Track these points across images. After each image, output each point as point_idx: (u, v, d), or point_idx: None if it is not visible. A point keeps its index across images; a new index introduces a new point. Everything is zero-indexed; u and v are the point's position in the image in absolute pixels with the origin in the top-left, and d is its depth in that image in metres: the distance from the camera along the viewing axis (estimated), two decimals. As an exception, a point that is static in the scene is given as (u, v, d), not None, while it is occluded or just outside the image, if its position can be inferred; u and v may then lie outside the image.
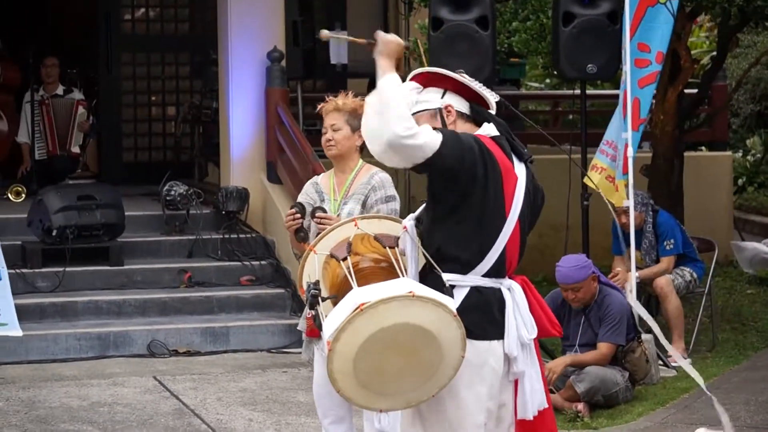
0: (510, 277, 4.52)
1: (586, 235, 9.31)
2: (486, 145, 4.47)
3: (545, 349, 8.38)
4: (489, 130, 4.56)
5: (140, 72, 13.96)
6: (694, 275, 9.22)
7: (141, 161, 13.90)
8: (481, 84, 4.71)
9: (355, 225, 4.67)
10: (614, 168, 8.80)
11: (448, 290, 4.39)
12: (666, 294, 8.94)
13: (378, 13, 15.08)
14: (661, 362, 8.48)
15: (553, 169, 11.43)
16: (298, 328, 5.96)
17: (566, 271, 7.74)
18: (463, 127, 4.57)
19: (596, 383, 7.54)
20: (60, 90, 12.77)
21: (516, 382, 4.52)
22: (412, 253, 4.52)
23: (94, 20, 13.84)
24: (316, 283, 4.55)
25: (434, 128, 4.42)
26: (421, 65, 11.97)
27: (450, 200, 4.44)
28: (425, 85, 4.65)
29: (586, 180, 8.95)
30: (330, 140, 5.85)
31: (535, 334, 4.50)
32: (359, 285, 4.41)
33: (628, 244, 9.13)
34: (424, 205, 4.55)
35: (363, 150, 5.93)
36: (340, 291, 4.51)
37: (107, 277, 9.99)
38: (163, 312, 9.64)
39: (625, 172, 8.73)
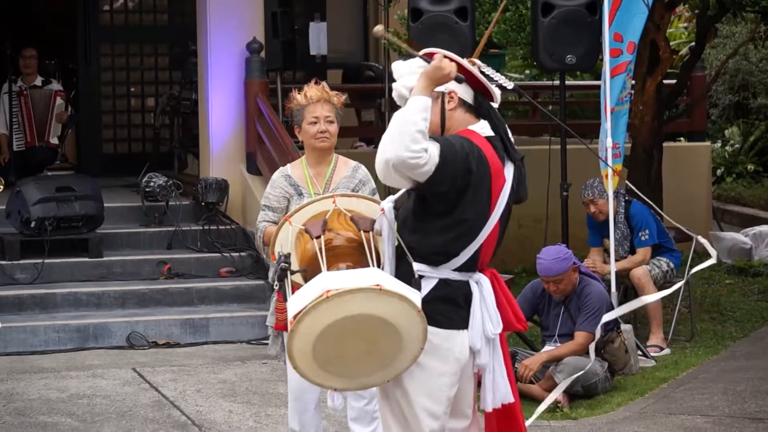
0: (480, 271, 4.53)
1: (566, 226, 9.32)
2: (479, 146, 4.44)
3: (525, 340, 8.41)
4: (484, 128, 4.53)
5: (119, 63, 13.93)
6: (671, 265, 9.25)
7: (120, 153, 13.87)
8: (495, 72, 4.66)
9: (334, 201, 4.66)
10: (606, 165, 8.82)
11: (417, 281, 4.41)
12: (643, 285, 8.97)
13: (357, 3, 15.08)
14: (640, 352, 8.51)
15: (532, 161, 11.47)
16: (266, 323, 5.92)
17: (547, 264, 7.75)
18: (461, 116, 4.53)
19: (575, 374, 7.55)
20: (38, 81, 12.73)
21: (478, 375, 4.55)
22: (388, 237, 4.52)
23: (72, 11, 13.79)
24: (288, 255, 4.55)
25: (432, 139, 4.34)
26: (402, 57, 11.98)
27: (437, 207, 4.43)
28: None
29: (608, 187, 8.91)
30: (324, 132, 5.76)
31: (500, 329, 4.52)
32: (330, 262, 4.44)
33: (599, 235, 9.16)
34: (403, 190, 4.52)
35: None
36: (310, 266, 4.53)
37: (86, 269, 9.96)
38: (142, 303, 9.62)
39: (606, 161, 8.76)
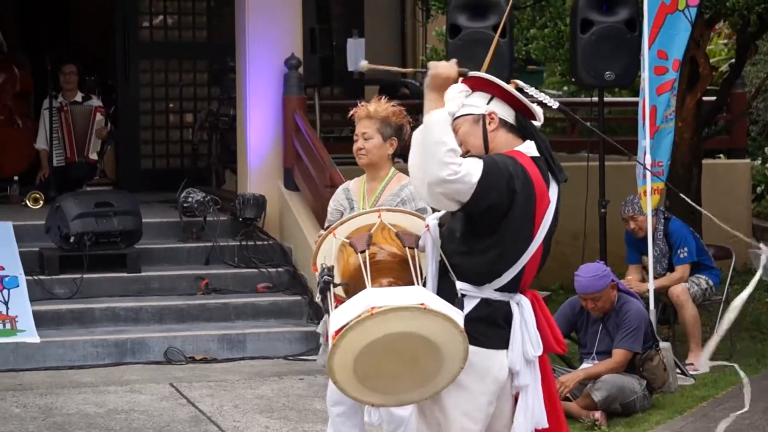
0: (521, 292, 4.50)
1: (604, 243, 9.28)
2: (525, 166, 4.41)
3: (562, 357, 8.35)
4: (530, 148, 4.49)
5: (158, 79, 13.98)
6: (710, 283, 9.19)
7: (159, 168, 13.92)
8: (538, 91, 4.63)
9: (379, 216, 4.66)
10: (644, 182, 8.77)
11: (459, 300, 4.39)
12: (682, 302, 8.91)
13: (396, 20, 15.09)
14: (678, 371, 8.44)
15: (570, 177, 11.43)
16: (317, 330, 5.92)
17: (585, 281, 7.71)
18: (504, 137, 4.50)
19: (613, 391, 7.51)
20: (78, 97, 12.80)
21: (517, 396, 4.51)
22: (432, 254, 4.49)
23: (112, 28, 13.87)
24: (331, 268, 4.56)
25: (475, 157, 4.33)
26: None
27: (483, 225, 4.40)
28: (473, 89, 4.57)
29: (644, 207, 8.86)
30: (361, 149, 5.80)
31: (540, 352, 4.48)
32: (373, 277, 4.44)
33: (637, 252, 9.11)
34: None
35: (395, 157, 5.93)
36: (352, 279, 4.53)
37: (124, 284, 10.00)
38: (180, 319, 9.64)
39: (644, 178, 8.71)
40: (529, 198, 4.39)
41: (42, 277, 9.82)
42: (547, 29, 10.41)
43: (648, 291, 8.57)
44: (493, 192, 4.32)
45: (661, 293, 8.96)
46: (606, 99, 10.37)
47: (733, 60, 11.85)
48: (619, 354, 7.65)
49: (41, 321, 9.28)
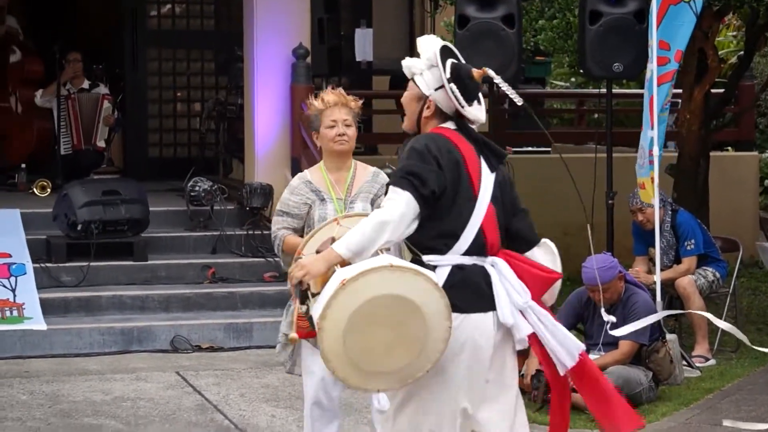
0: (494, 255, 4.66)
1: (611, 234, 9.27)
2: (445, 135, 4.63)
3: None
4: (448, 125, 4.70)
5: (166, 68, 13.99)
6: (717, 275, 9.18)
7: (166, 157, 13.93)
8: (509, 86, 4.73)
9: (338, 223, 4.86)
10: (637, 173, 8.76)
11: (430, 268, 4.54)
12: (689, 294, 8.90)
13: (404, 10, 15.06)
14: (685, 363, 8.44)
15: (577, 169, 11.41)
16: (281, 330, 5.96)
17: (593, 272, 7.70)
18: (434, 124, 4.68)
19: (620, 383, 7.49)
20: (86, 84, 12.82)
21: (538, 345, 4.66)
22: (394, 245, 4.67)
23: (120, 16, 13.88)
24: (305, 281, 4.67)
25: (400, 186, 4.50)
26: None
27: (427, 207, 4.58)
28: (437, 66, 4.68)
29: (643, 198, 8.87)
30: (343, 135, 5.75)
31: (528, 296, 4.62)
32: None
33: (644, 244, 9.10)
34: None
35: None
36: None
37: (131, 272, 10.01)
38: (186, 307, 9.65)
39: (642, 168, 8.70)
40: (458, 163, 4.59)
41: (49, 264, 9.83)
42: (555, 20, 10.37)
43: (655, 283, 8.56)
44: (438, 192, 4.52)
45: (668, 285, 8.95)
46: (614, 91, 10.37)
47: (741, 52, 11.82)
48: (625, 345, 7.65)
49: (48, 308, 9.29)
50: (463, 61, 4.74)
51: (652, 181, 8.69)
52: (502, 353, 4.65)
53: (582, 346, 4.75)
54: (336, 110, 5.77)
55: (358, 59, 12.59)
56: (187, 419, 7.35)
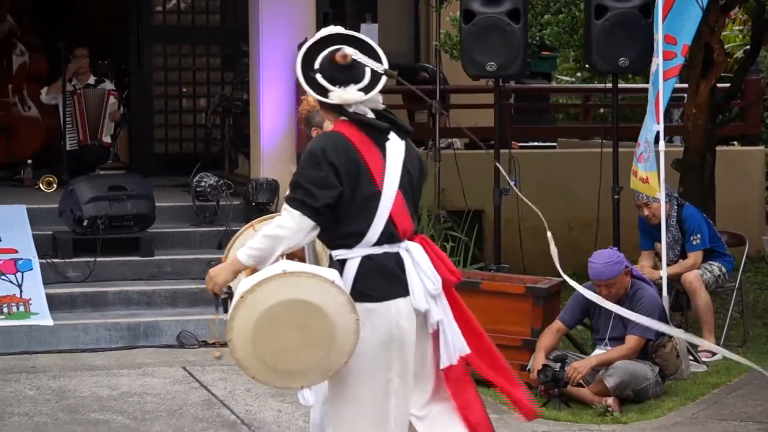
0: (409, 239, 4.73)
1: (617, 229, 9.27)
2: (341, 132, 4.65)
3: (575, 343, 8.36)
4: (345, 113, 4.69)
5: (171, 63, 13.99)
6: (723, 270, 9.16)
7: (172, 152, 13.93)
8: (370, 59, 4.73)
9: (253, 229, 5.00)
10: (640, 167, 8.74)
11: (336, 264, 4.62)
12: (695, 289, 8.89)
13: (409, 5, 15.07)
14: (691, 357, 8.43)
15: (583, 163, 11.41)
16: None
17: (599, 267, 7.70)
18: (331, 117, 4.74)
19: (626, 378, 7.50)
20: (91, 80, 12.83)
21: (435, 334, 4.74)
22: (307, 244, 4.84)
23: (125, 12, 13.88)
24: (228, 288, 4.77)
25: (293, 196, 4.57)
26: (453, 59, 11.95)
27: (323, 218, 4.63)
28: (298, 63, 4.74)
29: (632, 185, 8.88)
30: None
31: (439, 285, 4.70)
32: None
33: (650, 238, 9.09)
34: None
35: None
36: None
37: (137, 268, 10.01)
38: (192, 303, 9.65)
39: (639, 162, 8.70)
40: (357, 162, 4.61)
41: (55, 260, 9.83)
42: (561, 15, 10.36)
43: (661, 278, 8.56)
44: (334, 196, 4.57)
45: (674, 280, 8.95)
46: (620, 85, 10.35)
47: (747, 46, 11.80)
48: (632, 340, 7.64)
49: (54, 304, 9.30)
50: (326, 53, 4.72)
51: (647, 180, 8.68)
52: (422, 338, 4.72)
53: (466, 350, 4.79)
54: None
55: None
56: (194, 414, 7.35)
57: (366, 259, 4.62)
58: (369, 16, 12.75)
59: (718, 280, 9.12)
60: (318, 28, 11.28)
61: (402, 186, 4.70)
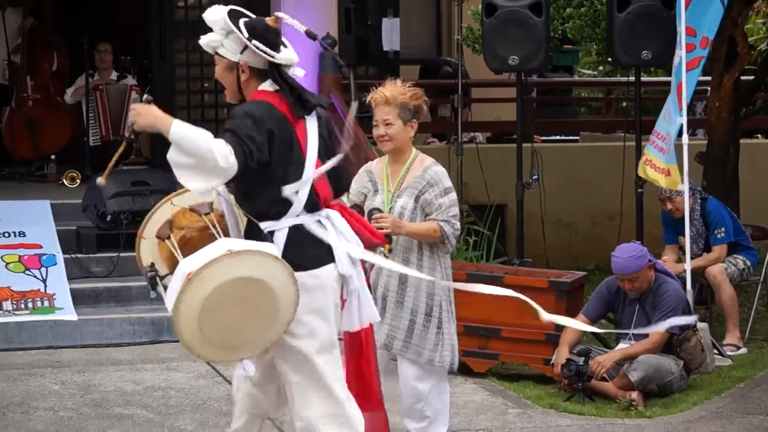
0: (328, 207, 4.88)
1: (640, 223, 9.24)
2: (271, 102, 4.80)
3: (599, 337, 8.34)
4: (268, 86, 4.86)
5: (193, 59, 14.00)
6: (748, 263, 9.13)
7: (194, 147, 13.92)
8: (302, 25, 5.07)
9: (171, 203, 5.00)
10: (662, 159, 8.70)
11: (267, 236, 4.72)
12: (719, 283, 8.86)
13: (431, -1, 15.05)
14: (716, 351, 8.41)
15: (605, 157, 11.38)
16: None
17: (622, 262, 7.67)
18: (255, 84, 4.87)
19: (650, 372, 7.48)
20: (114, 76, 12.86)
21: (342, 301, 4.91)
22: (229, 214, 4.85)
23: (148, 7, 13.90)
24: (152, 265, 4.88)
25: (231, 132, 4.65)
26: (475, 53, 11.94)
27: (258, 172, 4.72)
28: (233, 30, 4.89)
29: (640, 172, 8.87)
30: (383, 135, 5.85)
31: (362, 249, 4.90)
32: (188, 254, 4.71)
33: (674, 232, 9.06)
34: None
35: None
36: (172, 266, 4.81)
37: (160, 263, 10.02)
38: (215, 298, 9.65)
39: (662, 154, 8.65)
40: (287, 128, 4.77)
41: (79, 255, 9.87)
42: (583, 8, 10.37)
43: (685, 271, 8.53)
44: (268, 154, 4.68)
45: (698, 273, 8.91)
46: (642, 78, 10.32)
47: (771, 39, 11.75)
48: (656, 334, 7.60)
49: (79, 299, 9.33)
50: (254, 17, 4.92)
51: (669, 173, 8.64)
52: (337, 303, 4.89)
53: (378, 317, 5.06)
54: (378, 109, 5.87)
55: (385, 49, 12.55)
56: (218, 409, 7.37)
57: (293, 230, 4.76)
58: (391, 11, 12.71)
59: (742, 273, 9.09)
60: (340, 23, 11.39)
61: (320, 153, 4.86)
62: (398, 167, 5.90)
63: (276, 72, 4.87)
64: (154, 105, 4.73)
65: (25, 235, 9.72)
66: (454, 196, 5.87)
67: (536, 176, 9.56)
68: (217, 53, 4.94)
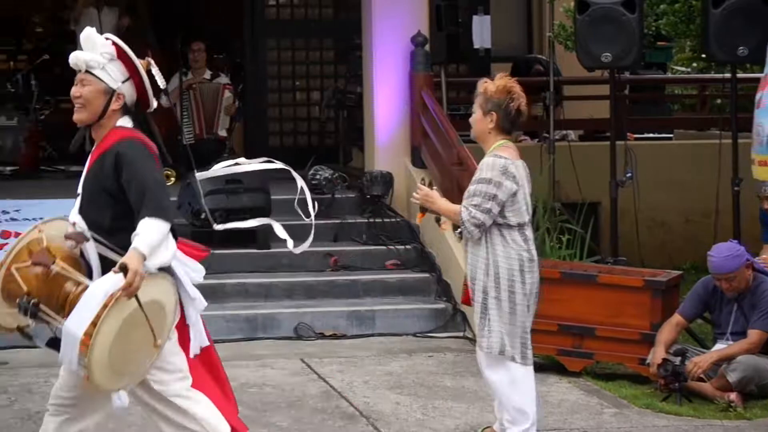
0: None
1: (737, 221, 9.12)
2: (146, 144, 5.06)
3: (695, 337, 8.26)
4: (127, 122, 5.04)
5: (285, 57, 14.11)
6: None
7: (286, 145, 14.05)
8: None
9: (38, 231, 4.98)
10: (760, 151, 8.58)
11: (119, 270, 4.78)
12: (820, 282, 8.69)
13: (523, -4, 14.99)
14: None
15: (701, 155, 11.25)
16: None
17: (719, 261, 7.57)
18: (117, 118, 5.00)
19: (749, 372, 7.38)
20: (207, 74, 12.99)
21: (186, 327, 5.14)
22: (90, 243, 4.98)
23: (239, 6, 14.04)
24: (27, 294, 4.82)
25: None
26: (567, 50, 11.87)
27: (117, 205, 4.98)
28: (117, 57, 5.00)
29: (757, 175, 8.71)
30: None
31: (203, 273, 5.33)
32: (61, 283, 4.84)
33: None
34: (80, 198, 5.04)
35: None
36: (52, 289, 4.85)
37: (255, 260, 10.12)
38: (309, 295, 9.73)
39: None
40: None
41: (175, 252, 9.97)
42: (677, 4, 10.28)
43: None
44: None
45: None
46: (738, 75, 10.19)
47: None
48: (754, 335, 7.51)
49: (174, 296, 9.42)
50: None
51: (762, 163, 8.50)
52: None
53: (206, 342, 5.47)
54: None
55: (475, 46, 12.53)
56: (313, 406, 7.42)
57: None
58: (481, 8, 12.68)
59: (844, 272, 8.91)
60: (431, 21, 11.39)
61: None
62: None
63: (143, 115, 5.11)
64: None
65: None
66: (484, 187, 5.95)
67: (630, 174, 9.49)
68: (91, 73, 4.99)
